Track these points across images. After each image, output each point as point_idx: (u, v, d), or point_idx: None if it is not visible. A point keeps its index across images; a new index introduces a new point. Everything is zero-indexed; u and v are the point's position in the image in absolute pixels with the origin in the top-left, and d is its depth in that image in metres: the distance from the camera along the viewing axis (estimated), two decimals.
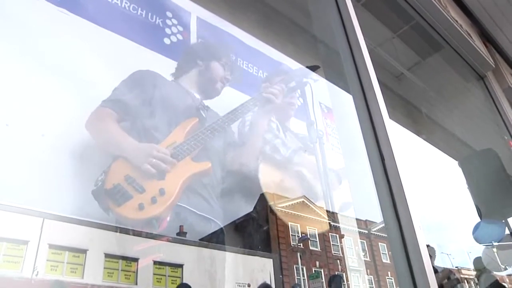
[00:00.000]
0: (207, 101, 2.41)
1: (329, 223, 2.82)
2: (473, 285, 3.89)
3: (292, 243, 2.62)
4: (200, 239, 2.04)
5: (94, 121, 1.91)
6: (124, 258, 1.70)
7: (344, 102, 2.35)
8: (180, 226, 1.94)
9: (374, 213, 1.97)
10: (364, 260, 3.04)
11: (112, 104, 1.99)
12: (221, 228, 2.12)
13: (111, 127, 1.96)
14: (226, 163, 2.35)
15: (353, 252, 3.02)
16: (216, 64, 2.49)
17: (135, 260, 1.73)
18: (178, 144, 2.02)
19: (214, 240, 2.07)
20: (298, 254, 2.58)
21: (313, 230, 2.78)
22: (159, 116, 2.10)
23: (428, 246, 1.73)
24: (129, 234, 1.79)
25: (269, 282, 2.21)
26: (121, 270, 1.67)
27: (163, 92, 2.21)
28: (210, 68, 2.47)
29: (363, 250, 3.08)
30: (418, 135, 4.22)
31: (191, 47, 2.77)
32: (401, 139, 2.06)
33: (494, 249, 3.52)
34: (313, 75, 2.78)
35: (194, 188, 2.04)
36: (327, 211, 2.75)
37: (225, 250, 2.11)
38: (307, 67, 2.82)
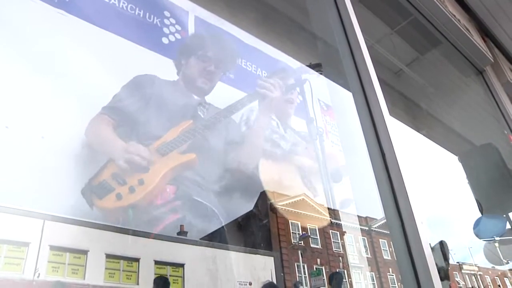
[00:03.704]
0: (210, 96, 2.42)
1: (330, 220, 2.82)
2: (475, 281, 3.90)
3: (293, 240, 2.62)
4: (201, 238, 2.04)
5: (91, 128, 1.95)
6: (125, 258, 1.70)
7: (344, 99, 2.35)
8: (180, 225, 1.94)
9: (375, 210, 1.97)
10: (366, 257, 3.05)
11: (110, 111, 2.03)
12: (222, 227, 2.12)
13: (105, 132, 1.99)
14: (226, 162, 2.35)
15: (354, 249, 3.02)
16: (192, 59, 2.44)
17: (136, 260, 1.73)
18: (167, 141, 2.06)
19: (216, 239, 2.07)
20: (299, 251, 2.58)
21: (313, 227, 2.78)
22: (155, 120, 2.13)
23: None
24: (128, 234, 1.80)
25: (271, 280, 2.21)
26: (123, 271, 1.67)
27: (160, 96, 2.22)
28: (188, 66, 2.44)
29: (365, 246, 3.09)
30: (418, 131, 4.22)
31: (179, 48, 2.65)
32: (401, 135, 2.05)
33: (496, 244, 3.52)
34: (311, 71, 2.78)
35: (187, 183, 2.06)
36: (328, 208, 2.75)
37: (226, 249, 2.11)
38: (309, 65, 2.81)
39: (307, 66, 2.80)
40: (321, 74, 2.86)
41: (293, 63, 3.16)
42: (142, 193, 1.86)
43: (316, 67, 2.79)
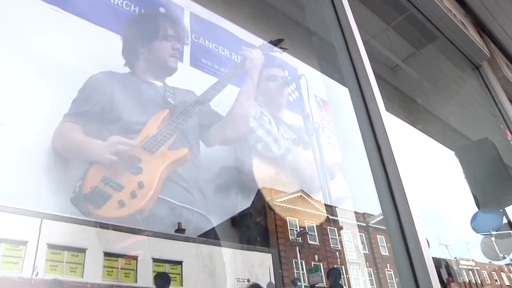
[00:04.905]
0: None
1: (327, 216, 2.82)
2: (472, 276, 3.91)
3: (290, 237, 2.62)
4: (198, 235, 2.04)
5: (60, 137, 1.85)
6: (123, 256, 1.70)
7: (340, 95, 2.35)
8: (178, 223, 1.94)
9: (372, 206, 1.98)
10: (363, 253, 3.05)
11: (74, 118, 1.92)
12: (213, 228, 2.10)
13: (77, 137, 1.89)
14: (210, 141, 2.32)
15: (351, 245, 3.03)
16: (156, 42, 2.32)
17: (135, 258, 1.73)
18: (151, 136, 1.99)
19: (211, 237, 2.07)
20: (297, 248, 2.59)
21: (311, 224, 2.78)
22: (126, 116, 2.03)
23: None
24: (126, 232, 1.79)
25: (268, 277, 2.21)
26: (121, 269, 1.67)
27: (123, 92, 2.12)
28: (152, 50, 2.30)
29: (362, 243, 3.09)
30: (414, 126, 4.23)
31: (126, 34, 2.40)
32: (398, 130, 2.06)
33: (493, 238, 3.54)
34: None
35: (173, 178, 2.00)
36: (325, 204, 2.75)
37: (224, 246, 2.11)
38: (270, 41, 2.77)
39: (268, 43, 2.76)
40: (284, 51, 2.82)
41: (289, 59, 3.16)
42: (145, 198, 1.80)
43: (279, 43, 2.74)
